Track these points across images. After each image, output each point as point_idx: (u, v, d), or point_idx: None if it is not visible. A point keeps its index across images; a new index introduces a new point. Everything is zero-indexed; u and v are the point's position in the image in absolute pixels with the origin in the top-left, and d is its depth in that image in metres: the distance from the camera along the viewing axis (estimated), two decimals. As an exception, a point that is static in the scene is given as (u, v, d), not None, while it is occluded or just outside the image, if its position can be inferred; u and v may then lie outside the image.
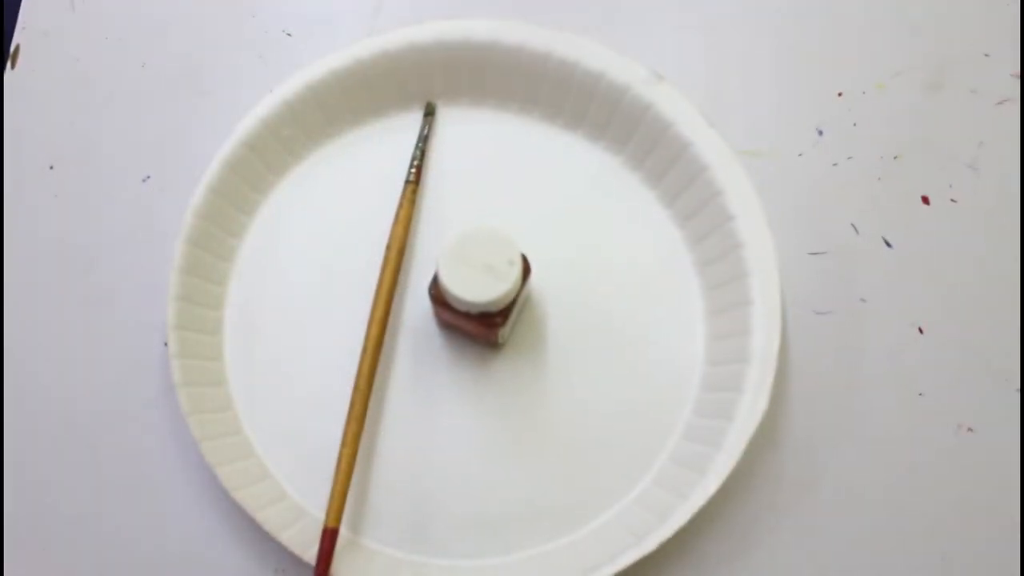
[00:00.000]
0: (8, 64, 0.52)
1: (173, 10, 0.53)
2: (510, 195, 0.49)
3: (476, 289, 0.39)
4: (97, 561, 0.45)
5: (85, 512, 0.46)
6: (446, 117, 0.50)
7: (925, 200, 0.49)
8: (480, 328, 0.42)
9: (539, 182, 0.49)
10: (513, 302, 0.41)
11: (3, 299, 0.49)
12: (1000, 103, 0.50)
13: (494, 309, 0.41)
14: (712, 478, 0.42)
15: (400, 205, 0.47)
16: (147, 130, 0.51)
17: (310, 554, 0.42)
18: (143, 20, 0.53)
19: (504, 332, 0.44)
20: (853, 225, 0.49)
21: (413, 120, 0.50)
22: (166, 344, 0.47)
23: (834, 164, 0.50)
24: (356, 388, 0.44)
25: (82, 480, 0.46)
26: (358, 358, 0.44)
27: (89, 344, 0.48)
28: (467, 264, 0.39)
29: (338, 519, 0.42)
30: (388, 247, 0.46)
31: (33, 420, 0.47)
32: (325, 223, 0.49)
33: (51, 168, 0.50)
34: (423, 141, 0.49)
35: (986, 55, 0.51)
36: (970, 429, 0.46)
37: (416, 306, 0.48)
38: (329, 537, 0.41)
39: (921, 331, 0.47)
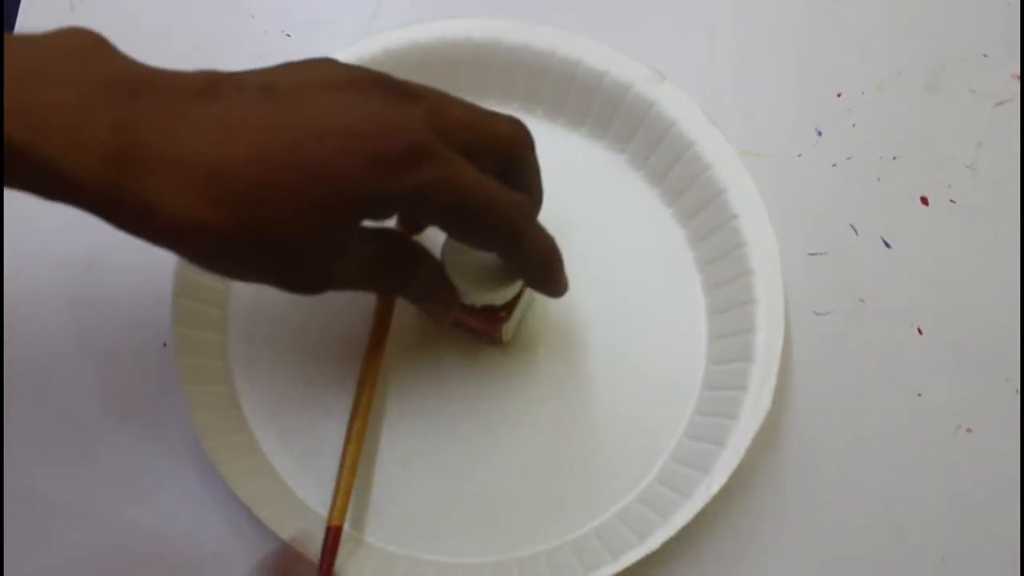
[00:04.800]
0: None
1: (172, 10, 0.53)
2: (511, 194, 0.49)
3: (479, 282, 0.39)
4: (97, 560, 0.45)
5: (85, 511, 0.46)
6: (447, 116, 0.50)
7: (924, 201, 0.49)
8: (484, 323, 0.42)
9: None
10: (518, 296, 0.41)
11: (3, 298, 0.48)
12: (999, 104, 0.51)
13: (499, 302, 0.40)
14: (716, 476, 0.42)
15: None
16: (147, 129, 0.51)
17: (312, 552, 0.42)
18: (142, 20, 0.53)
19: (508, 328, 0.43)
20: (852, 226, 0.49)
21: (415, 119, 0.50)
22: (165, 344, 0.47)
23: (833, 165, 0.50)
24: (360, 385, 0.44)
25: (82, 479, 0.46)
26: (362, 355, 0.44)
27: (89, 342, 0.48)
28: (470, 256, 0.39)
29: (342, 516, 0.41)
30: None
31: (33, 419, 0.47)
32: (327, 221, 0.49)
33: (50, 167, 0.50)
34: (425, 140, 0.49)
35: (985, 55, 0.51)
36: (969, 430, 0.46)
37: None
38: (333, 535, 0.41)
39: (920, 331, 0.48)
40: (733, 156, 0.46)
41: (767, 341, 0.44)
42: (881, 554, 0.45)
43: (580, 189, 0.49)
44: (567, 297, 0.47)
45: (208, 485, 0.46)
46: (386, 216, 0.34)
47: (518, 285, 0.40)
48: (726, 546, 0.45)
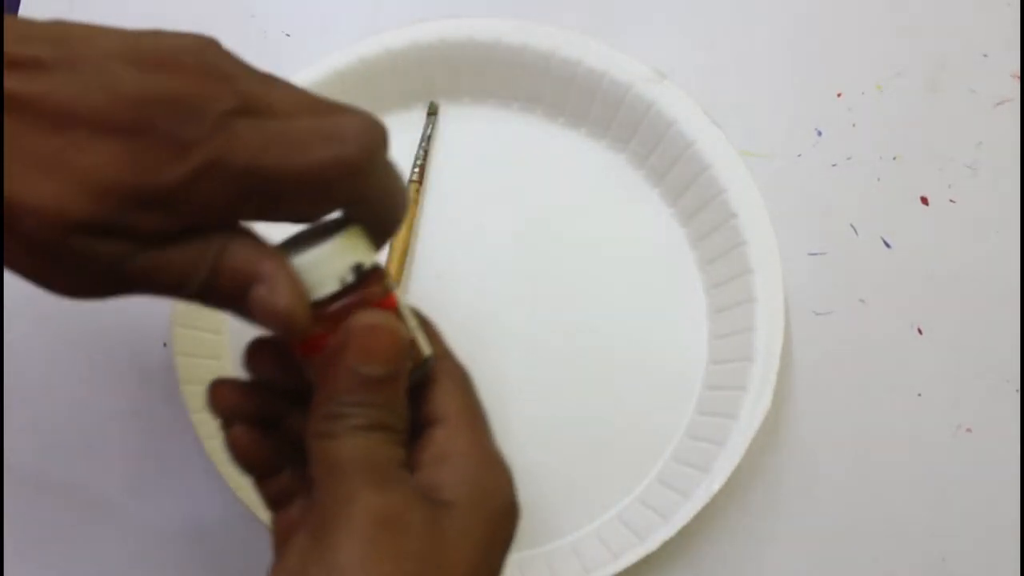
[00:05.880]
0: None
1: (172, 10, 0.53)
2: (512, 193, 0.49)
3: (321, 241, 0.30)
4: (98, 561, 0.45)
5: (85, 511, 0.46)
6: (448, 115, 0.50)
7: (924, 201, 0.49)
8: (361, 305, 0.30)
9: (541, 180, 0.49)
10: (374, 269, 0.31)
11: (3, 297, 0.48)
12: (999, 104, 0.51)
13: (361, 257, 0.30)
14: (716, 476, 0.42)
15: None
16: (147, 129, 0.51)
17: None
18: (142, 20, 0.53)
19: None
20: (852, 226, 0.49)
21: (415, 119, 0.50)
22: (165, 344, 0.47)
23: (833, 165, 0.50)
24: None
25: (82, 479, 0.46)
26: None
27: (89, 342, 0.48)
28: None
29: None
30: (391, 246, 0.46)
31: (33, 419, 0.47)
32: (326, 222, 0.49)
33: (50, 167, 0.50)
34: (426, 140, 0.49)
35: (985, 55, 0.51)
36: (969, 430, 0.46)
37: (418, 305, 0.47)
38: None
39: (920, 331, 0.48)
40: (733, 156, 0.46)
41: (767, 340, 0.44)
42: (881, 554, 0.45)
43: (580, 189, 0.49)
44: (566, 297, 0.47)
45: (208, 485, 0.46)
46: (167, 225, 0.26)
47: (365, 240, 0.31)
48: (726, 546, 0.45)
